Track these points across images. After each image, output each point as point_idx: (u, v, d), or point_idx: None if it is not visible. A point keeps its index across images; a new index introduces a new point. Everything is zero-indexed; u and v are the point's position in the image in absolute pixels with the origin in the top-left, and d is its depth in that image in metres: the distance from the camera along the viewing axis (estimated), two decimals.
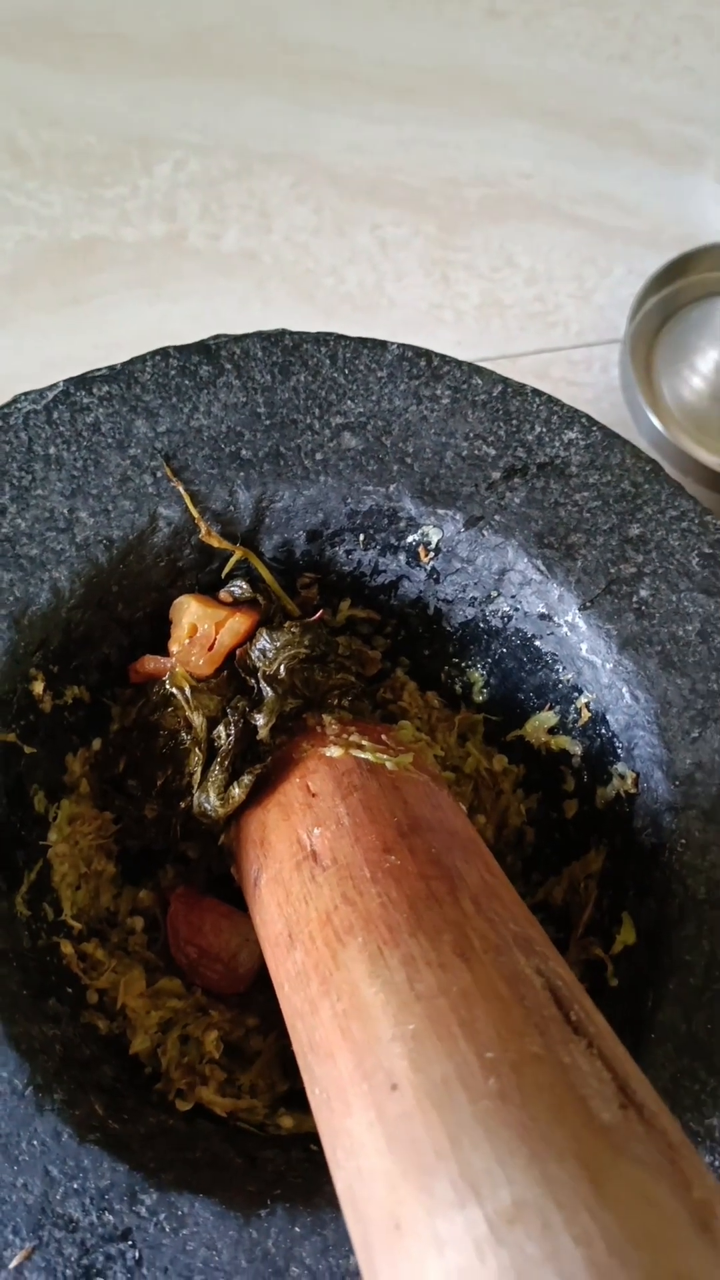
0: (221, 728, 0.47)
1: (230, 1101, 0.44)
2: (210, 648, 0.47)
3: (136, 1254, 0.37)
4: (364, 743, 0.45)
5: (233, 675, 0.48)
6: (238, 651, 0.48)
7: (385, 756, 0.44)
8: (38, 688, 0.46)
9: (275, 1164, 0.41)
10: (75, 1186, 0.38)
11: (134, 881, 0.52)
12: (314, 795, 0.43)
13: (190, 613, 0.47)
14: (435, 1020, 0.32)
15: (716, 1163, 0.40)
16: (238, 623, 0.47)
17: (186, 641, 0.47)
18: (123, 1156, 0.38)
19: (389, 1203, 0.29)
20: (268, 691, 0.47)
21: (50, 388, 0.48)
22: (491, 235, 0.87)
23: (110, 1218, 0.38)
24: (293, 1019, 0.38)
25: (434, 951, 0.34)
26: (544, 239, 0.87)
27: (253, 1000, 0.49)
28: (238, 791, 0.45)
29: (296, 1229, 0.38)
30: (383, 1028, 0.32)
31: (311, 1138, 0.43)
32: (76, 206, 0.83)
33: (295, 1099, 0.46)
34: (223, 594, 0.49)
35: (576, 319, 0.85)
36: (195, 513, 0.47)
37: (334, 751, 0.45)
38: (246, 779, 0.45)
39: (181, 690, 0.47)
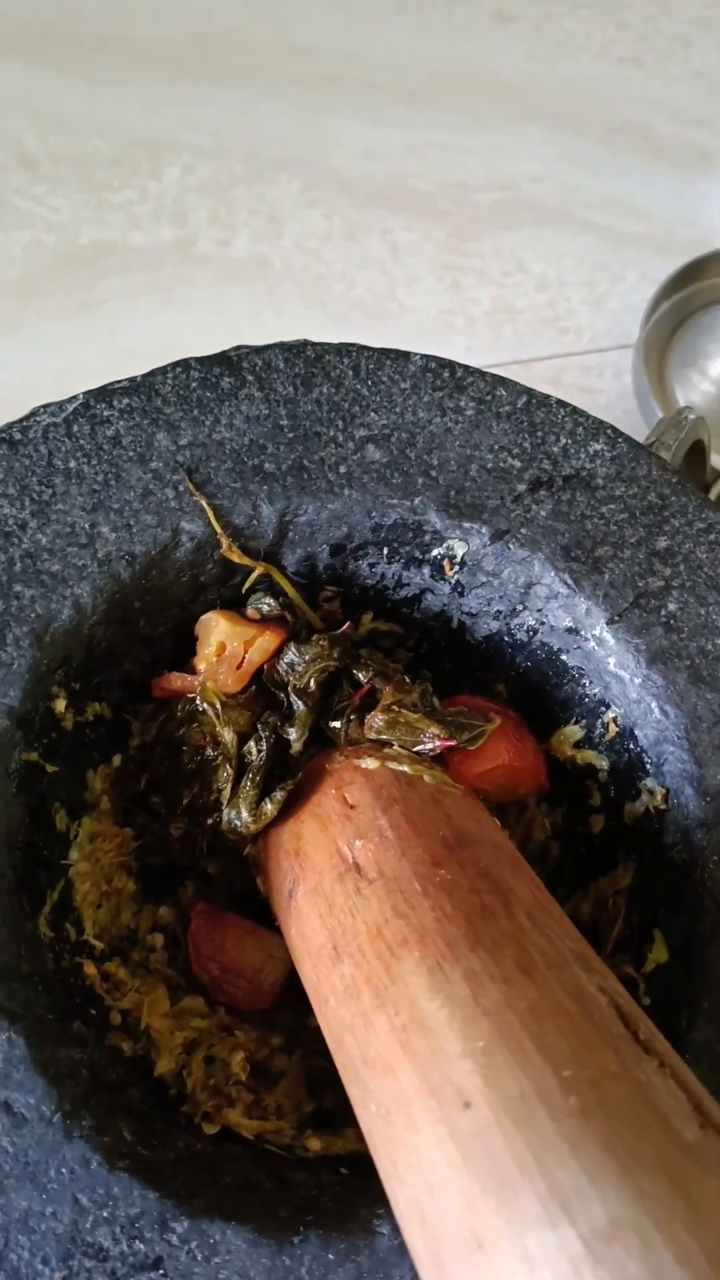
0: (252, 743, 0.46)
1: (257, 1123, 0.44)
2: (239, 665, 0.46)
3: None
4: (401, 754, 0.45)
5: (261, 690, 0.47)
6: (265, 666, 0.47)
7: (422, 769, 0.44)
8: (60, 705, 0.45)
9: (306, 1187, 0.40)
10: (105, 1215, 0.37)
11: (154, 899, 0.51)
12: (352, 807, 0.42)
13: (219, 631, 0.47)
14: (505, 1036, 0.31)
15: None
16: (266, 641, 0.47)
17: (215, 660, 0.46)
18: (153, 1183, 0.38)
19: (467, 1219, 0.28)
20: (299, 705, 0.46)
21: (69, 400, 0.47)
22: (503, 240, 0.86)
23: (141, 1246, 0.37)
24: (340, 1033, 0.37)
25: (496, 966, 0.33)
26: (555, 244, 0.87)
27: (276, 1018, 0.49)
28: (270, 807, 0.45)
29: (330, 1256, 0.37)
30: (449, 1043, 0.32)
31: (340, 1160, 0.43)
32: (85, 212, 0.83)
33: (321, 1119, 0.46)
34: (250, 611, 0.48)
35: (589, 325, 0.85)
36: (218, 527, 0.46)
37: (370, 763, 0.44)
38: (279, 794, 0.45)
39: (213, 705, 0.46)
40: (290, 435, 0.48)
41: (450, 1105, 0.30)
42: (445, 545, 0.49)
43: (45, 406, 0.47)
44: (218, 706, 0.47)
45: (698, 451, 0.64)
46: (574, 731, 0.51)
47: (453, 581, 0.50)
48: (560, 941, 0.35)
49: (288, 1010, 0.49)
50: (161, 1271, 0.37)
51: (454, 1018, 0.32)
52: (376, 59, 0.91)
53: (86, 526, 0.46)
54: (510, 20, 0.94)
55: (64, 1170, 0.38)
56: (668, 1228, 0.25)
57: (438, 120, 0.90)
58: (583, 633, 0.48)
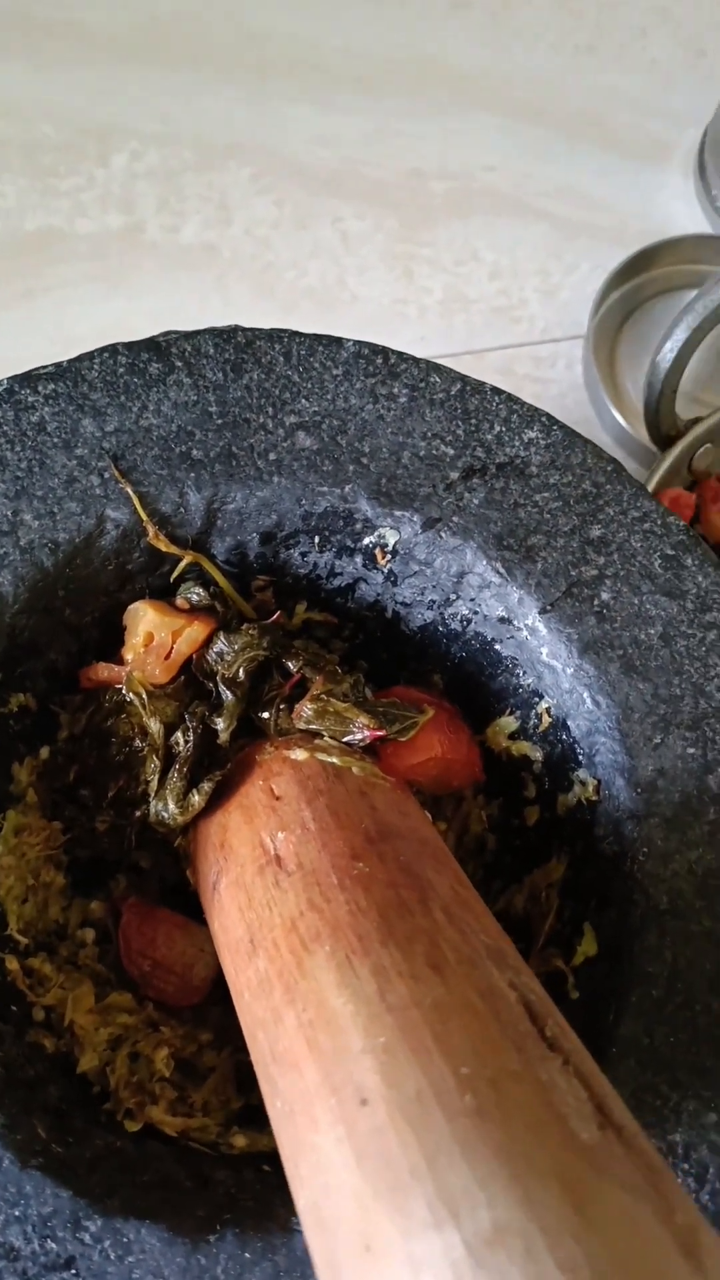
0: (180, 734, 0.45)
1: (181, 1120, 0.43)
2: (167, 656, 0.46)
3: None
4: (330, 745, 0.44)
5: (190, 680, 0.47)
6: (194, 656, 0.47)
7: (351, 760, 0.43)
8: None
9: (227, 1185, 0.40)
10: (16, 1214, 0.37)
11: (84, 892, 0.50)
12: (278, 798, 0.42)
13: (147, 621, 0.46)
14: (408, 1033, 0.30)
15: (682, 1179, 0.39)
16: (195, 631, 0.46)
17: (142, 650, 0.46)
18: (66, 1182, 0.37)
19: (359, 1222, 0.28)
20: (228, 695, 0.46)
21: None
22: (455, 229, 0.86)
23: (53, 1245, 0.36)
24: (253, 1028, 0.37)
25: (406, 962, 0.33)
26: (509, 233, 0.86)
27: (207, 1014, 0.48)
28: (197, 799, 0.44)
29: (246, 1254, 0.37)
30: (352, 1039, 0.31)
31: (264, 1157, 0.42)
32: (31, 197, 0.82)
33: (249, 1116, 0.45)
34: (179, 601, 0.47)
35: (541, 315, 0.84)
36: (144, 515, 0.46)
37: (299, 754, 0.43)
38: (206, 786, 0.44)
39: (139, 695, 0.46)
40: (219, 422, 0.47)
41: (349, 1104, 0.30)
42: (377, 534, 0.48)
43: None
44: (144, 697, 0.46)
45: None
46: (509, 723, 0.50)
47: (385, 570, 0.49)
48: (475, 937, 0.35)
49: (218, 1006, 0.48)
50: (74, 1271, 0.36)
51: (359, 1014, 0.32)
52: (330, 45, 0.90)
53: (9, 514, 0.45)
54: (465, 8, 0.93)
55: None
56: (554, 1234, 0.25)
57: (391, 108, 0.89)
58: (515, 622, 0.47)
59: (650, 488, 0.68)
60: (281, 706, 0.47)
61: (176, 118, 0.85)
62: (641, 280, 0.83)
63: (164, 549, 0.46)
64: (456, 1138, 0.28)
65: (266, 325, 0.49)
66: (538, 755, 0.49)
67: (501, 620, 0.48)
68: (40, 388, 0.47)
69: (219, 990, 0.48)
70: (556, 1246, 0.25)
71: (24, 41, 0.86)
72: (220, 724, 0.45)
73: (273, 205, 0.84)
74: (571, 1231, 0.25)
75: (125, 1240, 0.37)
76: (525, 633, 0.47)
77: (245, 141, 0.86)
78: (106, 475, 0.46)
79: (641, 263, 0.82)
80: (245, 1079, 0.46)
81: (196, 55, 0.88)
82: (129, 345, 0.48)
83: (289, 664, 0.48)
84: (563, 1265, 0.24)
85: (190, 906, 0.49)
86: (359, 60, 0.90)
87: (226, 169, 0.84)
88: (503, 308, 0.84)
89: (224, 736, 0.45)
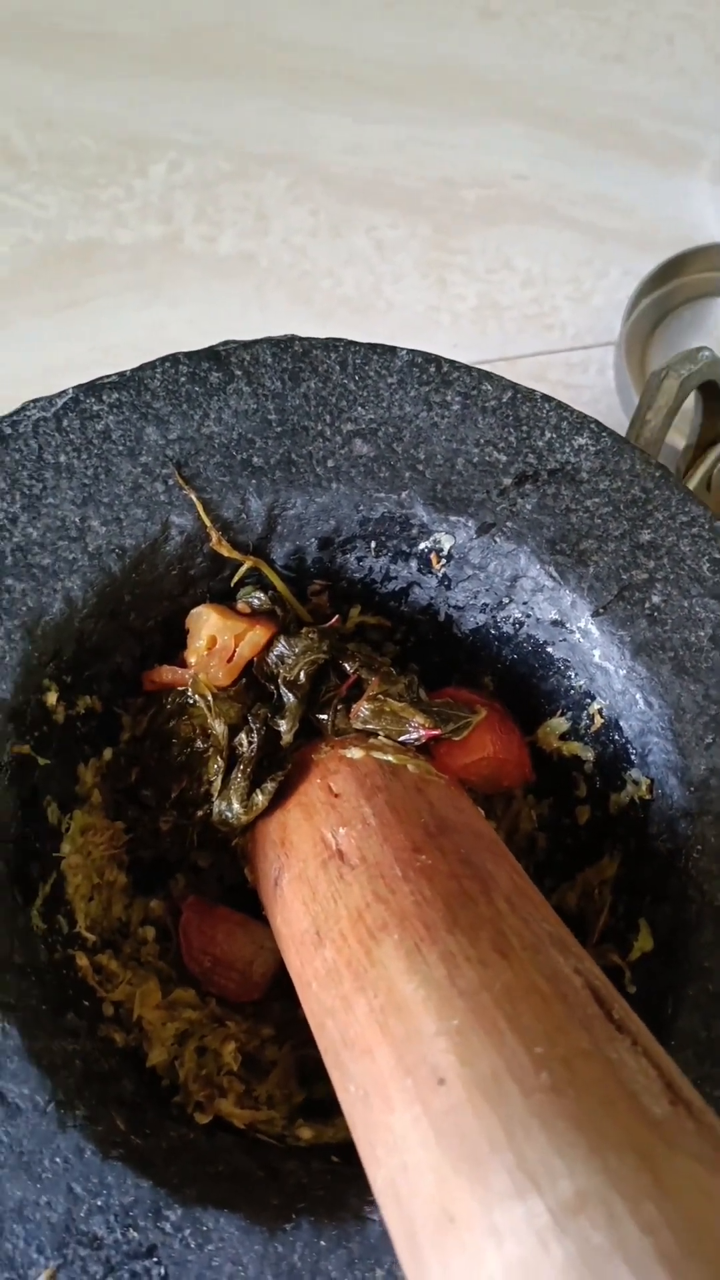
0: (243, 735, 0.46)
1: (249, 1113, 0.44)
2: (230, 659, 0.47)
3: (162, 1270, 0.37)
4: (385, 744, 0.45)
5: (251, 683, 0.48)
6: (255, 659, 0.48)
7: (407, 759, 0.44)
8: (51, 698, 0.46)
9: (297, 1176, 0.41)
10: (99, 1204, 0.38)
11: (145, 891, 0.51)
12: (336, 796, 0.43)
13: (210, 625, 0.47)
14: (480, 1015, 0.31)
15: None
16: (257, 635, 0.47)
17: (206, 653, 0.47)
18: (146, 1172, 0.38)
19: (439, 1196, 0.29)
20: (289, 697, 0.47)
21: (59, 394, 0.48)
22: (488, 237, 0.87)
23: (135, 1234, 0.37)
24: (322, 1017, 0.38)
25: (473, 948, 0.34)
26: (540, 241, 0.87)
27: (268, 1009, 0.49)
28: (261, 798, 0.45)
29: (322, 1242, 0.38)
30: (425, 1023, 0.32)
31: (331, 1149, 0.43)
32: (72, 209, 0.83)
33: (312, 1109, 0.46)
34: (240, 605, 0.48)
35: (573, 321, 0.85)
36: (207, 521, 0.47)
37: (355, 753, 0.44)
38: (270, 785, 0.45)
39: (205, 698, 0.47)
40: (278, 430, 0.48)
41: (425, 1084, 0.31)
42: (432, 538, 0.49)
43: (35, 401, 0.47)
44: (209, 699, 0.47)
45: (712, 394, 0.64)
46: (560, 723, 0.51)
47: (439, 575, 0.50)
48: (538, 925, 0.36)
49: (278, 1002, 0.49)
50: (155, 1259, 0.37)
51: (430, 998, 0.33)
52: (361, 55, 0.91)
53: (77, 520, 0.46)
54: (494, 17, 0.94)
55: (58, 1160, 0.38)
56: (633, 1200, 0.26)
57: (422, 117, 0.90)
58: (568, 625, 0.48)
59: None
60: (339, 707, 0.48)
61: (212, 128, 0.87)
62: (672, 286, 0.84)
63: (226, 554, 0.47)
64: (533, 1112, 0.29)
65: (304, 333, 0.50)
66: (589, 755, 0.50)
67: (554, 623, 0.49)
68: (105, 396, 0.48)
69: (279, 986, 0.49)
70: (637, 1212, 0.26)
71: (60, 55, 0.88)
72: (283, 725, 0.47)
73: (308, 214, 0.85)
74: (650, 1197, 0.26)
75: (205, 1229, 0.38)
76: (578, 635, 0.48)
77: (280, 151, 0.87)
78: (170, 482, 0.47)
79: (672, 269, 0.83)
80: (307, 1073, 0.47)
81: (230, 66, 0.89)
82: (189, 354, 0.49)
83: (345, 666, 0.49)
84: (644, 1229, 0.25)
85: (248, 905, 0.50)
86: (390, 70, 0.91)
87: (263, 179, 0.86)
88: (535, 315, 0.85)
89: (287, 737, 0.46)
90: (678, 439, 0.81)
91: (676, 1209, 0.26)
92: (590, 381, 0.84)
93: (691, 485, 0.70)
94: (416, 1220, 0.29)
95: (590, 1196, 0.26)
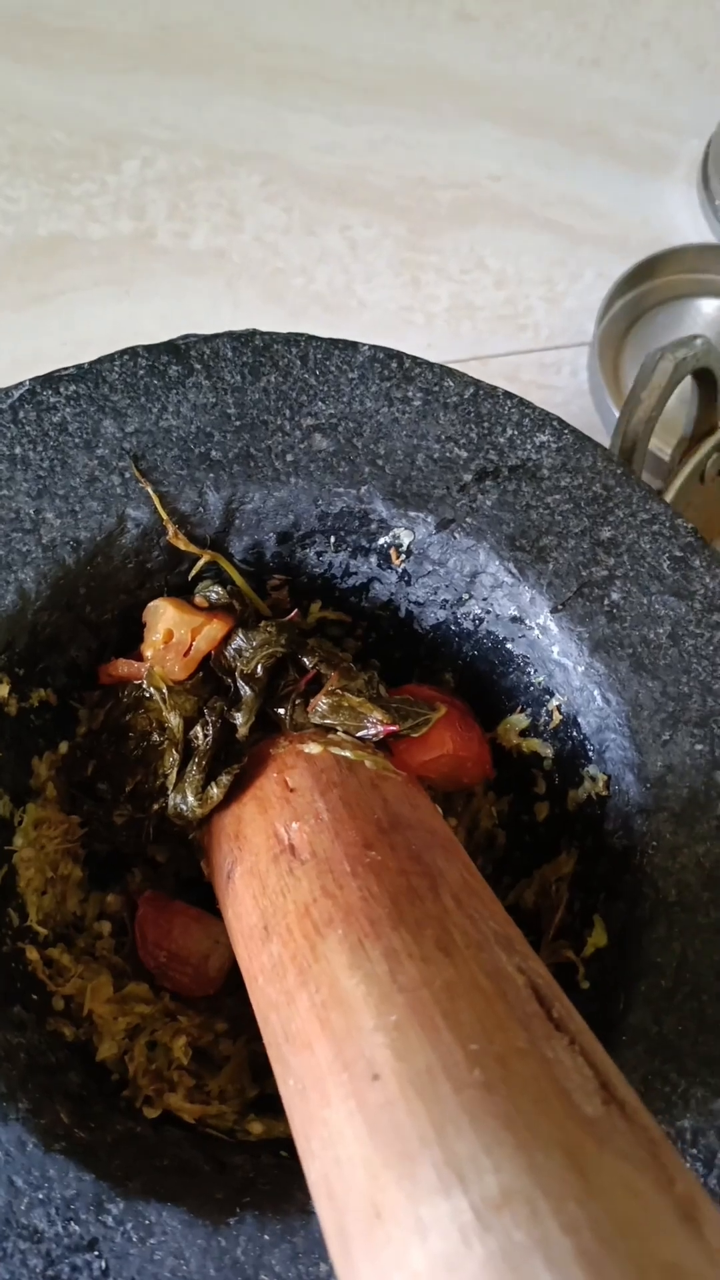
0: (199, 728, 0.46)
1: (199, 1108, 0.44)
2: (186, 652, 0.47)
3: (103, 1264, 0.37)
4: (344, 739, 0.45)
5: (208, 676, 0.48)
6: (212, 653, 0.47)
7: (364, 754, 0.44)
8: (3, 691, 0.45)
9: (244, 1170, 0.40)
10: (40, 1196, 0.37)
11: (101, 886, 0.51)
12: (292, 790, 0.43)
13: (166, 618, 0.47)
14: (418, 1011, 0.31)
15: (690, 1164, 0.40)
16: (214, 629, 0.47)
17: (162, 646, 0.46)
18: (89, 1165, 0.38)
19: (369, 1190, 0.29)
20: (246, 691, 0.47)
21: (16, 386, 0.47)
22: (461, 238, 0.87)
23: (76, 1228, 0.37)
24: (266, 1011, 0.38)
25: (416, 945, 0.34)
26: (514, 242, 0.87)
27: (222, 1004, 0.49)
28: (216, 791, 0.45)
29: (266, 1236, 0.38)
30: (364, 1018, 0.32)
31: (281, 1143, 0.43)
32: (43, 203, 0.83)
33: (264, 1104, 0.46)
34: (198, 599, 0.48)
35: (546, 322, 0.85)
36: (164, 514, 0.46)
37: (313, 748, 0.44)
38: (225, 778, 0.45)
39: (160, 690, 0.46)
40: (237, 423, 0.48)
41: (360, 1079, 0.31)
42: (391, 534, 0.49)
43: None
44: (165, 692, 0.47)
45: (708, 384, 0.64)
46: (520, 720, 0.51)
47: (399, 570, 0.50)
48: (484, 923, 0.36)
49: (233, 997, 0.49)
50: (96, 1252, 0.37)
51: (370, 994, 0.32)
52: (338, 54, 0.91)
53: (31, 512, 0.46)
54: (472, 19, 0.94)
55: None
56: (557, 1199, 0.26)
57: (398, 117, 0.90)
58: (527, 621, 0.48)
59: (671, 493, 0.69)
60: (297, 702, 0.48)
61: (187, 125, 0.86)
62: (645, 289, 0.84)
63: (183, 548, 0.47)
64: (464, 1109, 0.29)
65: (277, 330, 0.50)
66: (548, 752, 0.50)
67: (513, 619, 0.49)
68: (62, 389, 0.47)
69: (233, 981, 0.48)
70: (560, 1210, 0.26)
71: (37, 48, 0.87)
72: (239, 718, 0.46)
73: (281, 212, 0.85)
74: (575, 1196, 0.26)
75: (147, 1222, 0.37)
76: (537, 632, 0.48)
77: (255, 149, 0.87)
78: (127, 475, 0.47)
79: (645, 271, 0.83)
80: (260, 1068, 0.47)
81: (207, 64, 0.89)
82: (149, 348, 0.49)
83: (304, 660, 0.48)
84: (566, 1228, 0.25)
85: (205, 900, 0.50)
86: (366, 70, 0.91)
87: (236, 176, 0.85)
88: (508, 315, 0.85)
89: (243, 730, 0.46)
90: (659, 445, 0.81)
91: (601, 1207, 0.26)
92: (563, 382, 0.84)
93: (683, 476, 0.70)
94: (347, 1214, 0.29)
95: (515, 1194, 0.26)
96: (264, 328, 0.51)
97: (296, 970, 0.36)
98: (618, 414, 0.80)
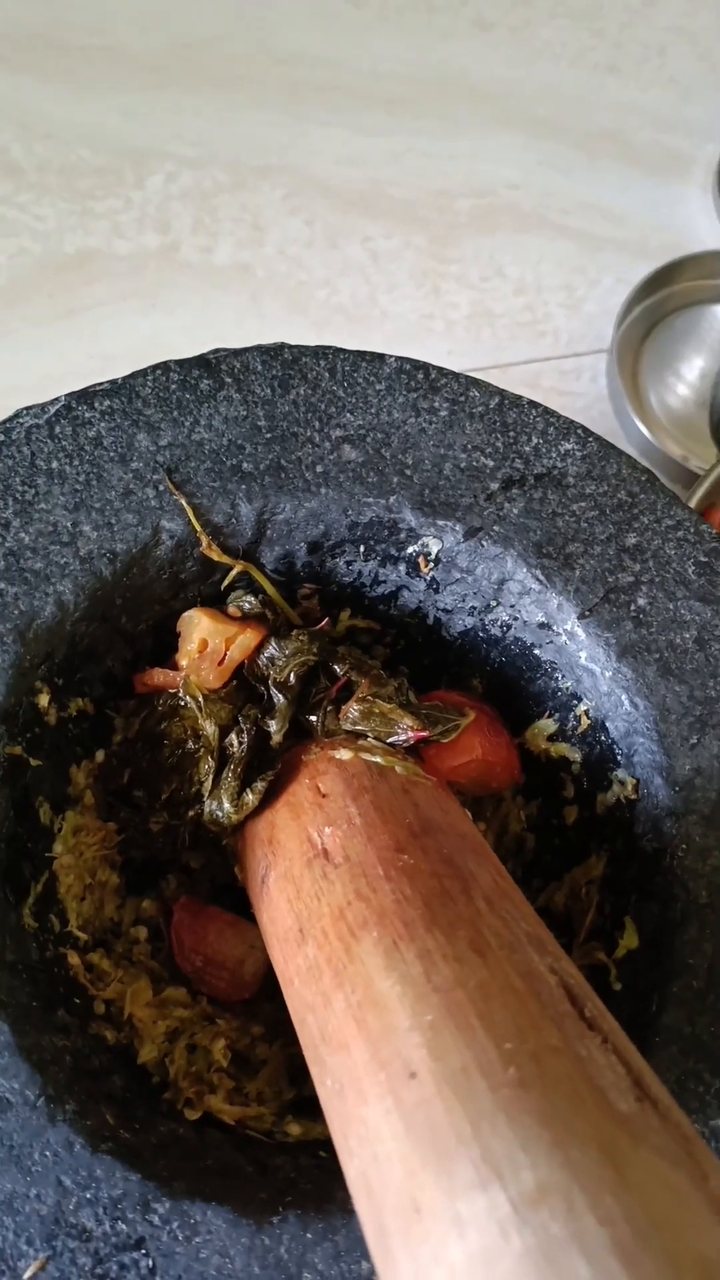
0: (233, 735, 0.47)
1: (238, 1109, 0.45)
2: (220, 661, 0.47)
3: (150, 1262, 0.37)
4: (374, 745, 0.46)
5: (242, 684, 0.48)
6: (245, 661, 0.48)
7: (395, 760, 0.45)
8: (43, 700, 0.46)
9: (285, 1171, 0.41)
10: (88, 1196, 0.38)
11: (137, 892, 0.52)
12: (324, 796, 0.43)
13: (201, 628, 0.48)
14: (453, 1011, 0.32)
15: None
16: (248, 638, 0.48)
17: (197, 656, 0.47)
18: (135, 1166, 0.39)
19: (407, 1187, 0.29)
20: (279, 698, 0.48)
21: (52, 402, 0.48)
22: (481, 246, 0.87)
23: (123, 1227, 0.38)
24: (303, 1013, 0.38)
25: (450, 946, 0.34)
26: (533, 249, 0.88)
27: (258, 1008, 0.50)
28: (251, 797, 0.46)
29: (308, 1235, 0.38)
30: (400, 1018, 0.33)
31: (320, 1144, 0.44)
32: (70, 220, 0.84)
33: (302, 1106, 0.47)
34: (231, 609, 0.49)
35: (566, 329, 0.86)
36: (197, 525, 0.47)
37: (344, 754, 0.45)
38: (260, 785, 0.46)
39: (195, 699, 0.47)
40: (268, 436, 0.49)
41: (397, 1078, 0.31)
42: (420, 543, 0.50)
43: (28, 408, 0.48)
44: (200, 700, 0.48)
45: None
46: (547, 725, 0.52)
47: (428, 578, 0.51)
48: (516, 925, 0.36)
49: (269, 1001, 0.50)
50: (143, 1251, 0.38)
51: (406, 995, 0.33)
52: (357, 67, 0.92)
53: (69, 525, 0.47)
54: (488, 28, 0.95)
55: (48, 1153, 0.38)
56: (593, 1193, 0.26)
57: (417, 127, 0.91)
58: (555, 627, 0.49)
59: (695, 498, 0.69)
60: (328, 708, 0.49)
61: (210, 140, 0.88)
62: (664, 294, 0.85)
63: (216, 559, 0.48)
64: (500, 1106, 0.29)
65: (300, 342, 0.51)
66: (576, 756, 0.51)
67: (541, 626, 0.49)
68: (97, 404, 0.48)
69: (269, 985, 0.49)
70: (596, 1205, 0.26)
71: (60, 67, 0.89)
72: (273, 726, 0.47)
73: (304, 225, 0.86)
74: (610, 1191, 0.27)
75: (192, 1222, 0.38)
76: (564, 637, 0.49)
77: (276, 163, 0.88)
78: (161, 488, 0.48)
79: (664, 277, 0.84)
80: (297, 1071, 0.48)
81: (228, 79, 0.90)
82: (180, 362, 0.50)
83: (335, 668, 0.49)
84: (602, 1221, 0.26)
85: (239, 905, 0.50)
86: (386, 82, 0.92)
87: (259, 190, 0.86)
88: (528, 322, 0.86)
89: (277, 737, 0.47)
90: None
91: (636, 1202, 0.26)
92: (583, 388, 0.85)
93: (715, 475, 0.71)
94: (385, 1210, 0.30)
95: (551, 1189, 0.27)
96: (289, 340, 0.52)
97: (332, 972, 0.37)
98: (637, 419, 0.80)
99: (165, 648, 0.50)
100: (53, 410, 0.48)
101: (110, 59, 0.89)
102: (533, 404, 0.51)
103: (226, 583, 0.50)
